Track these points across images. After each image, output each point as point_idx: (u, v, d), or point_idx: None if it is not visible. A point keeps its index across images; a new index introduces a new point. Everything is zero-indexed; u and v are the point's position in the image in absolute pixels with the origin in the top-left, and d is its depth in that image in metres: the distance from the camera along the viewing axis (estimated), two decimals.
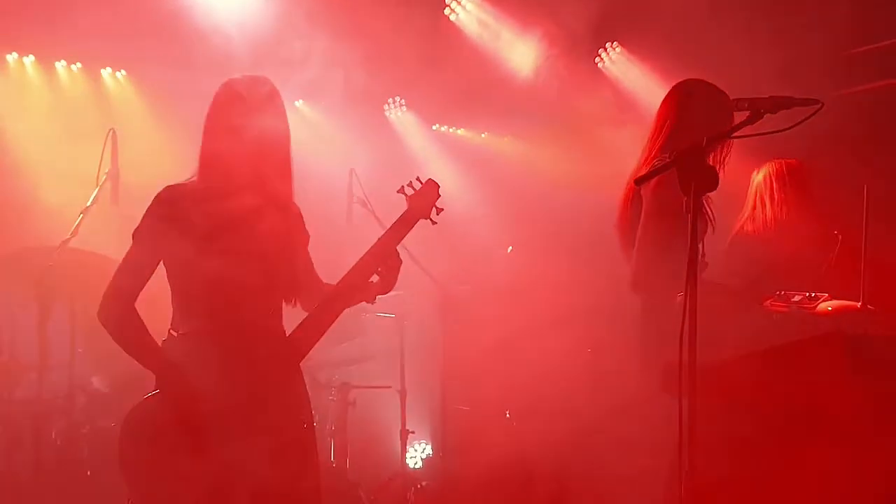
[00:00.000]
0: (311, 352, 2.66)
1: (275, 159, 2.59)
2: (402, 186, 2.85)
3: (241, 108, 2.52)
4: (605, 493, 4.16)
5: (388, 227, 2.80)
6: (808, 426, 2.08)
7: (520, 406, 5.07)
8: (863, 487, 2.07)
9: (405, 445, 4.80)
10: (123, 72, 5.65)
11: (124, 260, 2.55)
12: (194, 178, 2.58)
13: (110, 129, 3.99)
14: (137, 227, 2.54)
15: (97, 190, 3.89)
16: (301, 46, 4.88)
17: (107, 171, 3.93)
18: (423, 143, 6.77)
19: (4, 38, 5.08)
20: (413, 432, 4.88)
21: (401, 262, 2.78)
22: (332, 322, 2.65)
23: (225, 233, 2.50)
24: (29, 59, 5.31)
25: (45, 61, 5.37)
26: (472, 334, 4.87)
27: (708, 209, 2.87)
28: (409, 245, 4.03)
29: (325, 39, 4.87)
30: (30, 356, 3.79)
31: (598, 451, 4.28)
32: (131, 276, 2.53)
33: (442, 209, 2.87)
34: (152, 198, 2.56)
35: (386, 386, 4.89)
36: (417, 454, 5.45)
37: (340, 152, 5.83)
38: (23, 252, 4.00)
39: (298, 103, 6.24)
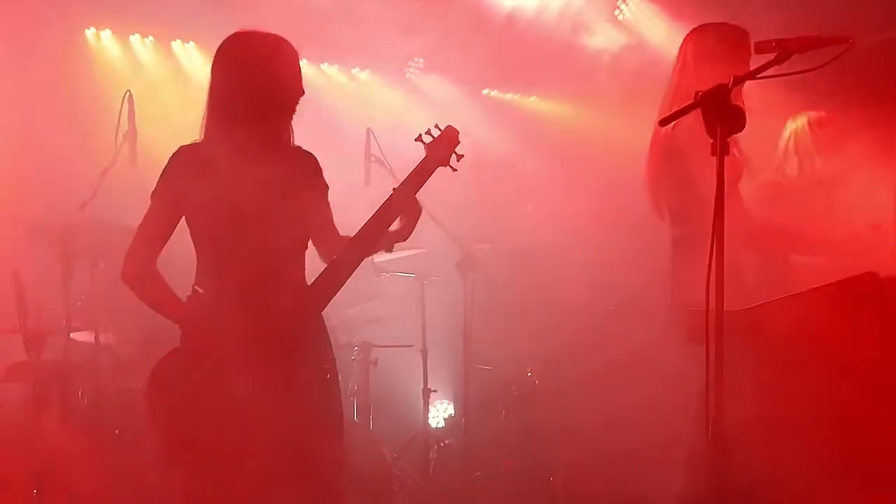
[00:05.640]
0: (332, 311, 2.66)
1: (280, 113, 2.58)
2: (420, 134, 2.79)
3: (243, 64, 2.51)
4: (630, 449, 4.17)
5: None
6: (841, 369, 2.05)
7: (542, 365, 5.08)
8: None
9: (427, 404, 4.83)
10: (151, 38, 5.65)
11: (144, 220, 2.58)
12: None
13: (126, 91, 3.98)
14: (155, 188, 2.58)
15: (116, 152, 3.90)
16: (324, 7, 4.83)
17: (124, 132, 3.94)
18: (444, 104, 6.70)
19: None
20: (435, 391, 4.90)
21: (421, 209, 2.75)
22: (351, 272, 2.63)
23: (239, 188, 2.51)
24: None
25: (74, 29, 5.37)
26: (494, 293, 4.86)
27: (737, 152, 2.80)
28: (428, 203, 4.03)
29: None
30: (55, 319, 3.83)
31: (622, 407, 4.28)
32: (151, 236, 2.57)
33: (462, 155, 2.79)
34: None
35: (408, 345, 4.90)
36: (439, 413, 5.48)
37: (358, 113, 5.81)
38: (45, 218, 4.04)
39: (324, 66, 6.22)
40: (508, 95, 7.19)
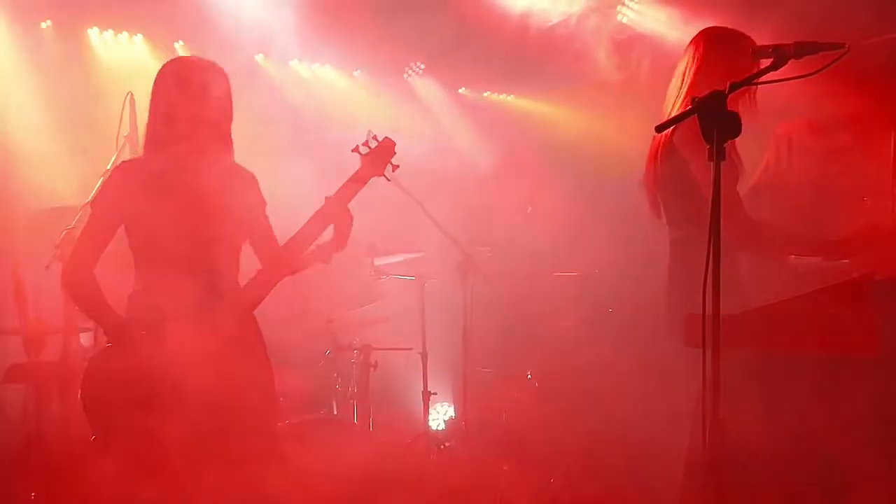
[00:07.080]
0: (332, 313, 2.70)
1: (215, 133, 2.75)
2: (357, 145, 2.87)
3: (181, 88, 2.69)
4: (629, 452, 4.18)
5: (342, 185, 2.82)
6: (841, 371, 2.05)
7: (541, 367, 5.09)
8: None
9: (427, 407, 4.82)
10: (140, 35, 5.65)
11: (83, 229, 2.77)
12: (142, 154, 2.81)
13: (128, 93, 3.99)
14: (94, 198, 2.82)
15: (116, 153, 3.91)
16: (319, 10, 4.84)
17: (125, 134, 3.94)
18: (443, 107, 6.71)
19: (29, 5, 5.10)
20: (435, 394, 4.90)
21: (352, 219, 2.84)
22: (281, 278, 2.78)
23: (171, 199, 2.69)
24: (46, 24, 5.32)
25: (68, 27, 5.37)
26: (494, 296, 4.86)
27: (735, 155, 2.79)
28: (428, 206, 4.04)
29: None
30: (55, 319, 3.84)
31: (621, 411, 4.28)
32: (90, 245, 2.74)
33: (398, 166, 2.87)
34: None
35: (408, 348, 4.90)
36: (440, 416, 5.48)
37: (359, 117, 5.81)
38: (45, 213, 4.07)
39: (315, 66, 6.22)
40: (508, 98, 7.20)
